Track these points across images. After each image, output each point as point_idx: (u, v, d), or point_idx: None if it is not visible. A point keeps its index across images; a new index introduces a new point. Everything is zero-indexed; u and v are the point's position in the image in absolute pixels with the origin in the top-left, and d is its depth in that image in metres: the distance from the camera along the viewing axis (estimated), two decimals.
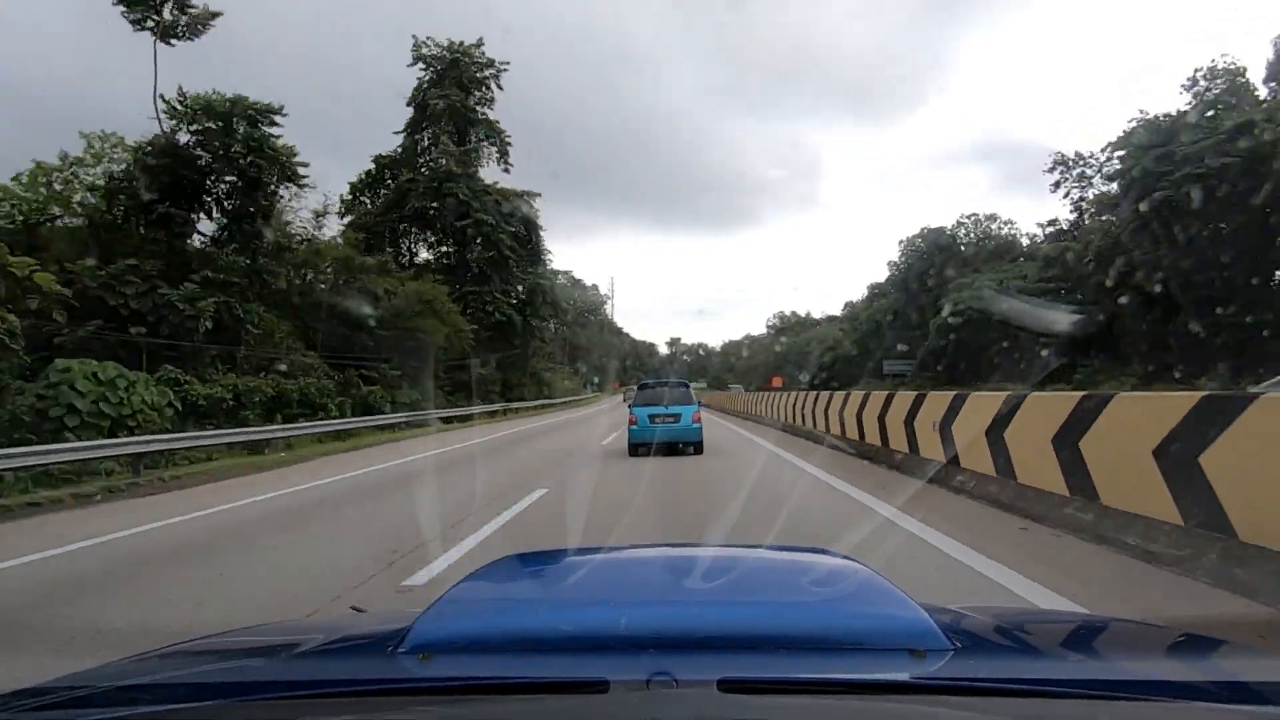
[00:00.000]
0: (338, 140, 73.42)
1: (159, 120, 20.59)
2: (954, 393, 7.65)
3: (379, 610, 3.68)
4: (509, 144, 37.17)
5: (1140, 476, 4.34)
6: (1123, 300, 26.39)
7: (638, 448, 11.88)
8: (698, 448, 11.91)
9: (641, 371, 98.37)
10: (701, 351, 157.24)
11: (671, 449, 11.83)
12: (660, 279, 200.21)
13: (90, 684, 1.11)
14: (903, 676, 1.00)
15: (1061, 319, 27.05)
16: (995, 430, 6.19)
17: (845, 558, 1.52)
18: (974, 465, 6.66)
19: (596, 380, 79.24)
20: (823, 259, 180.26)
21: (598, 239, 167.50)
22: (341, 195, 34.10)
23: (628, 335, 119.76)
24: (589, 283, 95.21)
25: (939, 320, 35.52)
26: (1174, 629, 1.37)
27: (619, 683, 0.90)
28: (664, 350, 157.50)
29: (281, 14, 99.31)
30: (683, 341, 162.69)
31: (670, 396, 12.51)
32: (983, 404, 6.71)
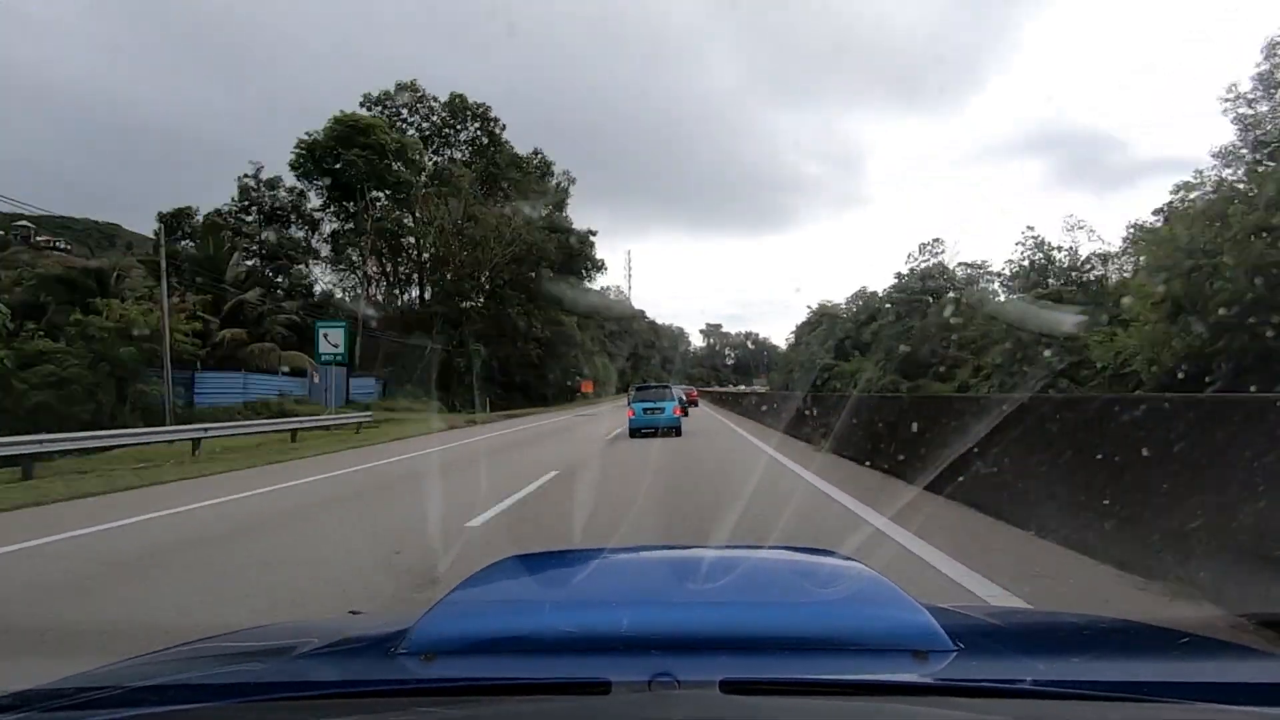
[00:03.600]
0: None
1: None
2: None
3: (380, 611, 3.69)
4: None
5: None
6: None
7: (636, 432, 16.58)
8: (677, 430, 16.56)
9: (664, 370, 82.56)
10: (751, 344, 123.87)
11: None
12: (695, 281, 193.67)
13: (93, 685, 1.11)
14: (905, 677, 1.00)
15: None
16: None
17: (847, 558, 1.52)
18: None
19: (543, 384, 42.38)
20: (869, 255, 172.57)
21: (628, 242, 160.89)
22: None
23: (644, 315, 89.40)
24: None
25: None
26: (1176, 630, 1.37)
27: (621, 683, 0.90)
28: (698, 342, 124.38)
29: None
30: (724, 330, 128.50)
31: (659, 395, 17.46)
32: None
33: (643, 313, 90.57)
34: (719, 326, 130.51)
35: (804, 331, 71.31)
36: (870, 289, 61.71)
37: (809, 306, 70.48)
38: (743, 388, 55.72)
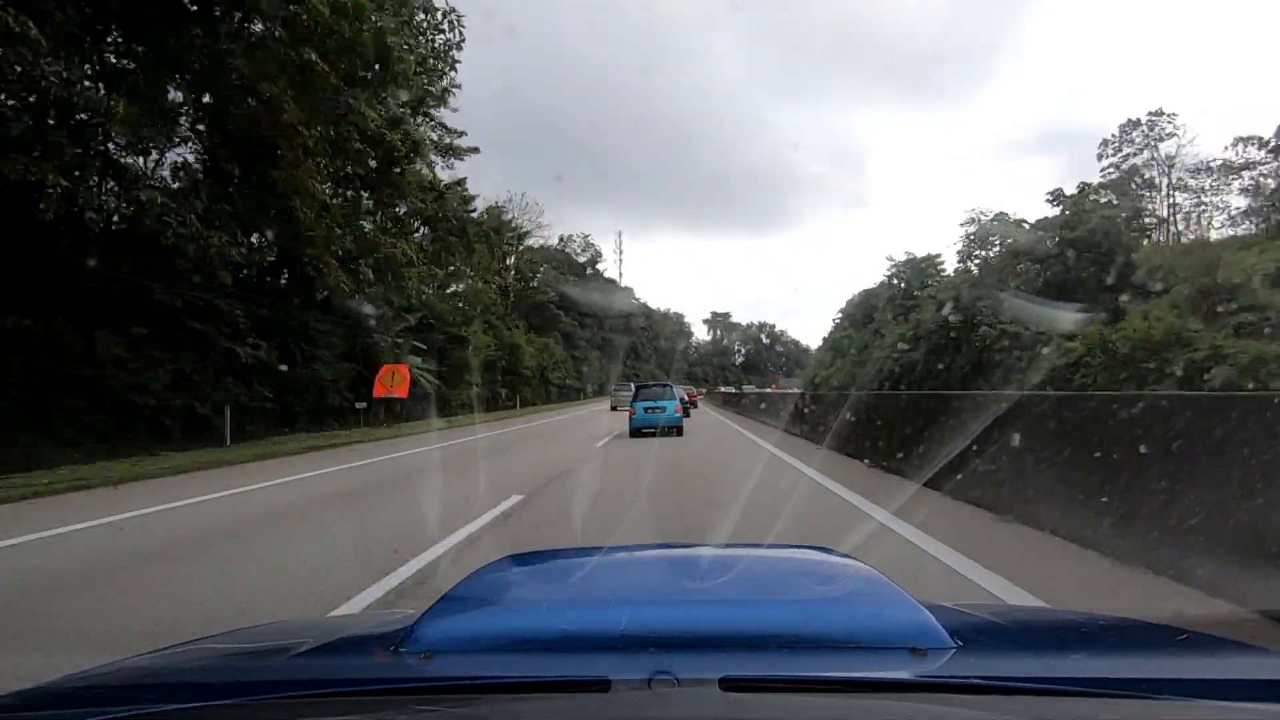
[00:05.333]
0: None
1: None
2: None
3: (379, 610, 3.70)
4: None
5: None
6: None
7: (637, 431, 16.51)
8: (679, 430, 16.45)
9: (659, 367, 74.56)
10: (766, 338, 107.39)
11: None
12: (695, 280, 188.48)
13: (93, 684, 1.11)
14: (904, 675, 1.00)
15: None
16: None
17: (846, 556, 1.52)
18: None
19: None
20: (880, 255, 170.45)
21: (628, 242, 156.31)
22: None
23: (633, 294, 73.61)
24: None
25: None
26: (1175, 628, 1.37)
27: (620, 682, 0.90)
28: (702, 335, 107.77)
29: None
30: (734, 320, 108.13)
31: (659, 394, 17.36)
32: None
33: (631, 290, 74.72)
34: (727, 316, 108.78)
35: (874, 298, 52.87)
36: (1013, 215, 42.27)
37: (890, 259, 52.49)
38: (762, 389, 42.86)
